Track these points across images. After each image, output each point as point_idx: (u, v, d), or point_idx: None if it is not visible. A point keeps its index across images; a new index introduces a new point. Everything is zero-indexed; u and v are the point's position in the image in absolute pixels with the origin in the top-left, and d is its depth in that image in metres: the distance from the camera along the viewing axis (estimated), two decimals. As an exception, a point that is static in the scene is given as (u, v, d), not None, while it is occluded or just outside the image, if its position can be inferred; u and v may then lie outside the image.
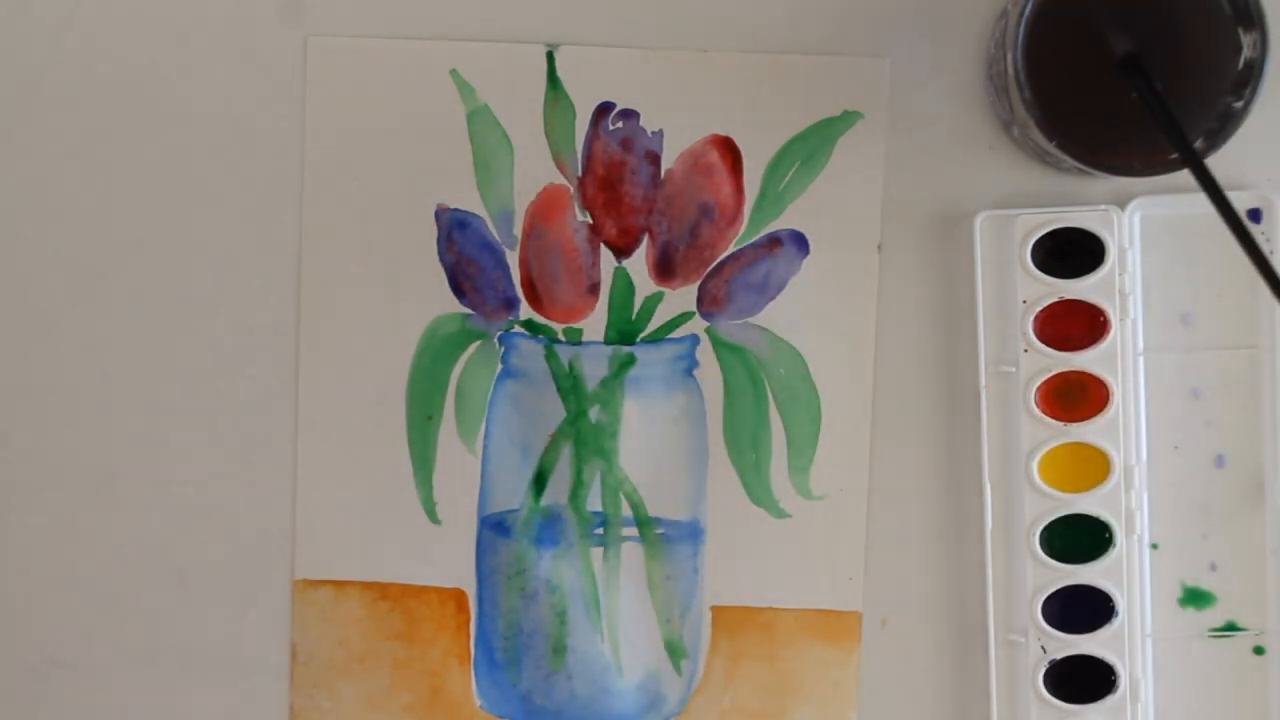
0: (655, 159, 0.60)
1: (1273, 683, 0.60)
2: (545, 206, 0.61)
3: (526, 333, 0.61)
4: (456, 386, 0.61)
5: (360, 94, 0.60)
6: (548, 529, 0.61)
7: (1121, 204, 0.59)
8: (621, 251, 0.61)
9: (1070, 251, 0.59)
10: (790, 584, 0.61)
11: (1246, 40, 0.52)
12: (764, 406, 0.61)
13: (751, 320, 0.61)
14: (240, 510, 0.61)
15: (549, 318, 0.61)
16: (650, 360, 0.61)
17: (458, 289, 0.61)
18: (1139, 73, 0.51)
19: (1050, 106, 0.53)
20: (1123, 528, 0.59)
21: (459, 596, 0.61)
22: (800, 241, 0.60)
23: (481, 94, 0.60)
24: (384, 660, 0.62)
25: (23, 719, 0.62)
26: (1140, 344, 0.59)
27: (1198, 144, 0.52)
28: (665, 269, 0.61)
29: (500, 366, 0.61)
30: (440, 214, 0.61)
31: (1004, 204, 0.60)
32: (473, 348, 0.61)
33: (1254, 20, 0.52)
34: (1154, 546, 0.60)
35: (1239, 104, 0.52)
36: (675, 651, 0.61)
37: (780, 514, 0.61)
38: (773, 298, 0.60)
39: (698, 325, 0.61)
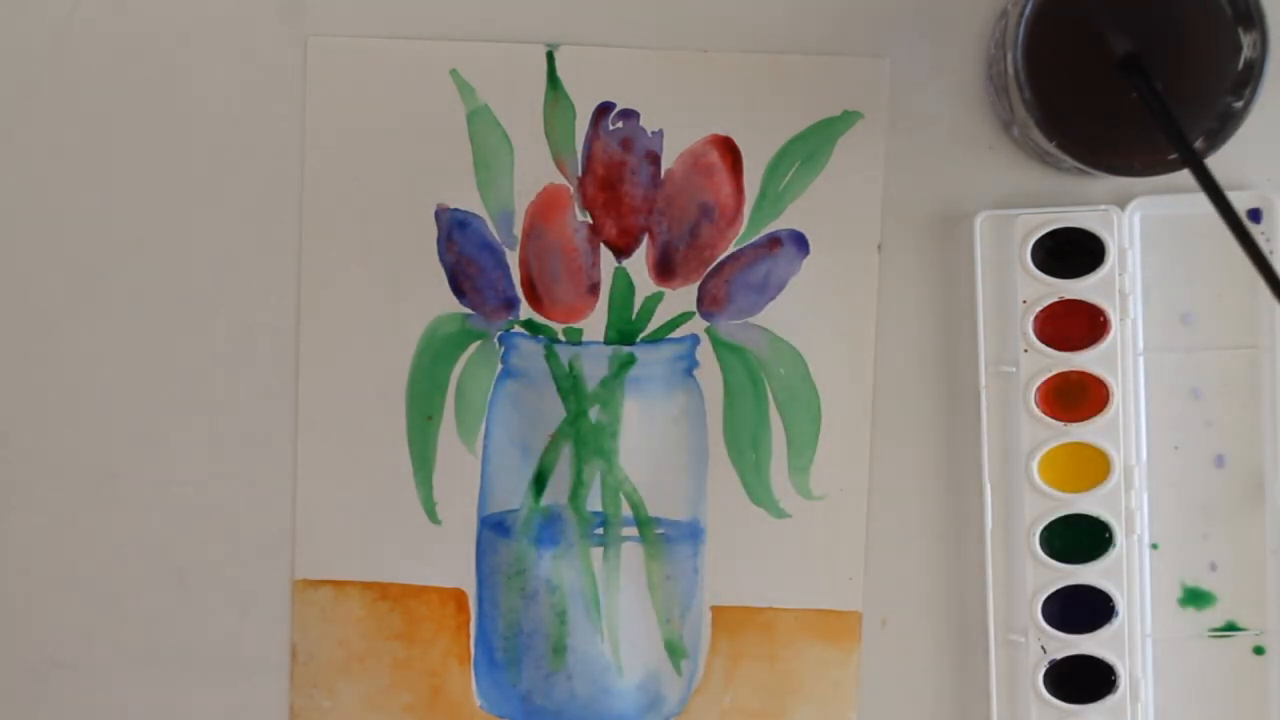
0: (655, 159, 0.60)
1: (1273, 683, 0.60)
2: (545, 206, 0.61)
3: (526, 333, 0.61)
4: (456, 386, 0.61)
5: (360, 94, 0.60)
6: (548, 529, 0.61)
7: (1121, 204, 0.59)
8: (621, 251, 0.61)
9: (1070, 251, 0.59)
10: (790, 584, 0.61)
11: (1246, 40, 0.52)
12: (764, 406, 0.61)
13: (751, 320, 0.61)
14: (240, 510, 0.61)
15: (549, 318, 0.61)
16: (650, 360, 0.61)
17: (458, 289, 0.61)
18: (1139, 73, 0.51)
19: (1050, 106, 0.53)
20: (1123, 528, 0.59)
21: (459, 596, 0.61)
22: (800, 241, 0.60)
23: (481, 94, 0.60)
24: (384, 660, 0.62)
25: (23, 719, 0.62)
26: (1140, 344, 0.59)
27: (1198, 144, 0.52)
28: (665, 269, 0.61)
29: (500, 366, 0.61)
30: (440, 214, 0.61)
31: (1004, 204, 0.60)
32: (473, 348, 0.61)
33: (1254, 20, 0.52)
34: (1154, 546, 0.60)
35: (1239, 104, 0.52)
36: (675, 651, 0.61)
37: (780, 514, 0.61)
38: (773, 298, 0.60)
39: (698, 325, 0.61)
